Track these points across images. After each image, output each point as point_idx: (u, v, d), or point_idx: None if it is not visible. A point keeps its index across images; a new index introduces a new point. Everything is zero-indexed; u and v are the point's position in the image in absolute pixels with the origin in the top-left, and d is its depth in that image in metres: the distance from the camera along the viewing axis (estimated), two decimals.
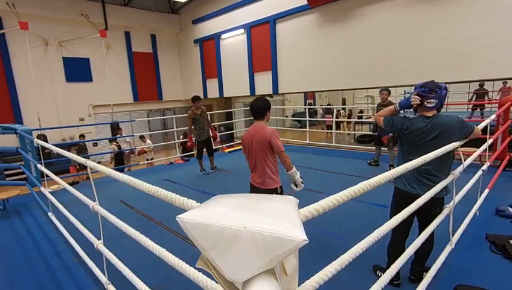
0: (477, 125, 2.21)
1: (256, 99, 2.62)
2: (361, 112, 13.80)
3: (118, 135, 8.05)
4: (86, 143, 10.33)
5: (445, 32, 5.91)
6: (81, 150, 7.83)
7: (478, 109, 10.20)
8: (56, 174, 3.02)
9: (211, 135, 5.77)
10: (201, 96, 12.62)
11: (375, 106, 5.82)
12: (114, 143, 7.64)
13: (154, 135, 12.93)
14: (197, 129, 5.56)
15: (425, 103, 1.98)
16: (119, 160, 7.86)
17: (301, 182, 2.60)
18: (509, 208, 3.23)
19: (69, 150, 7.14)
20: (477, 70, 5.70)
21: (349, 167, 5.76)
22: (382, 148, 5.68)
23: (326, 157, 6.55)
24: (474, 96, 10.38)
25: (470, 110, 10.75)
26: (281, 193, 2.69)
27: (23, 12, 9.13)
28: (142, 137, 8.25)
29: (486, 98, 10.05)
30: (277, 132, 2.54)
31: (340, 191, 0.99)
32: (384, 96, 5.20)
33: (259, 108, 2.56)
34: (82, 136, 9.64)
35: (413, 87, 2.08)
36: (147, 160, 8.16)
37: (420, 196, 1.73)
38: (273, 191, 2.59)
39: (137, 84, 12.55)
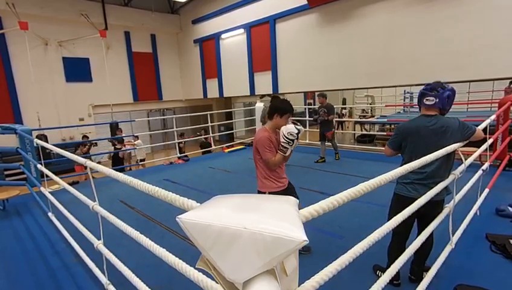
0: (477, 126, 2.21)
1: (272, 100, 2.62)
2: (364, 112, 13.83)
3: (118, 135, 7.96)
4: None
5: (445, 32, 5.91)
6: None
7: None
8: (57, 174, 3.02)
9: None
10: (202, 96, 12.79)
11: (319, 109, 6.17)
12: (119, 143, 7.50)
13: (154, 135, 12.95)
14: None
15: (424, 100, 2.02)
16: (117, 160, 7.61)
17: (290, 134, 2.27)
18: (509, 208, 3.23)
19: (75, 150, 7.10)
20: (477, 70, 5.70)
21: (349, 166, 5.76)
22: (326, 143, 6.29)
23: (327, 157, 6.54)
24: None
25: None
26: None
27: (23, 12, 9.13)
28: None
29: None
30: (265, 140, 2.36)
31: (341, 192, 0.98)
32: (322, 100, 6.03)
33: (269, 108, 2.49)
34: (85, 136, 9.59)
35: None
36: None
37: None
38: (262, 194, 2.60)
39: (137, 84, 12.56)
